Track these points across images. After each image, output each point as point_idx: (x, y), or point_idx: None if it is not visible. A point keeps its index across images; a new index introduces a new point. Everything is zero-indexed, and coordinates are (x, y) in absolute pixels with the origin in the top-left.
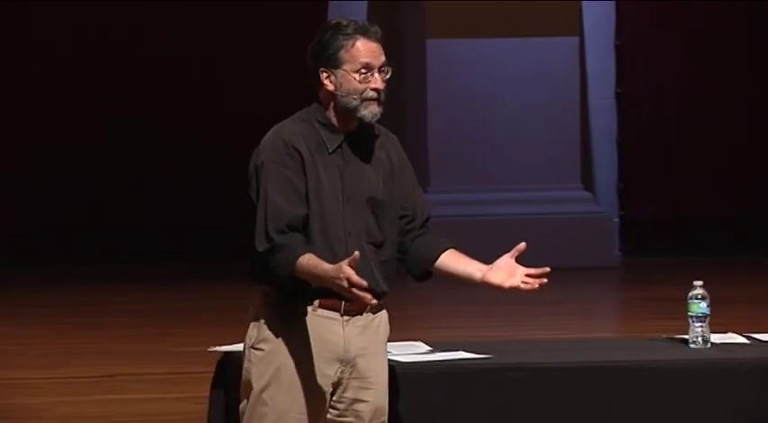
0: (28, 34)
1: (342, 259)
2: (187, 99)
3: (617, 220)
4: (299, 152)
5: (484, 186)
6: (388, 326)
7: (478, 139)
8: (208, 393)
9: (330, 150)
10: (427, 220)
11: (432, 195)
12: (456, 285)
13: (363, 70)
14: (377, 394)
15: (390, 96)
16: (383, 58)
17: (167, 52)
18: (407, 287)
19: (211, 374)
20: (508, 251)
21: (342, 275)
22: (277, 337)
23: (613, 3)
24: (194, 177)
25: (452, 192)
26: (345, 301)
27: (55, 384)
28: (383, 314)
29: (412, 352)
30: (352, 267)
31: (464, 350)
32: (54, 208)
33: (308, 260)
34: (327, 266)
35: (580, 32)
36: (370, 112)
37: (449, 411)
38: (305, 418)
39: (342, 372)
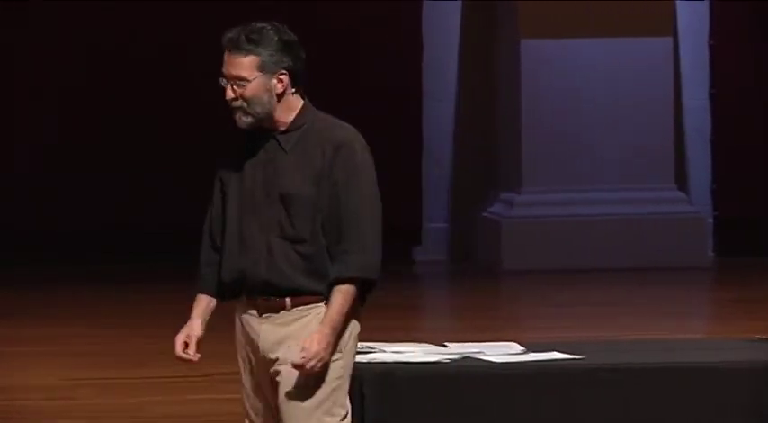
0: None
1: (250, 254)
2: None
3: (711, 220)
4: (228, 155)
5: (577, 187)
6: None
7: (572, 139)
8: None
9: (256, 149)
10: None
11: (525, 196)
12: (550, 285)
13: (223, 79)
14: (285, 379)
15: (484, 97)
16: (234, 73)
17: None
18: (500, 287)
19: None
20: (600, 252)
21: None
22: (236, 334)
23: (707, 2)
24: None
25: (546, 192)
26: (261, 299)
27: (151, 384)
28: (316, 309)
29: (505, 352)
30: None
31: (557, 351)
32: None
33: (197, 299)
34: (192, 319)
35: (674, 32)
36: (236, 118)
37: (541, 411)
38: (255, 414)
39: (272, 363)
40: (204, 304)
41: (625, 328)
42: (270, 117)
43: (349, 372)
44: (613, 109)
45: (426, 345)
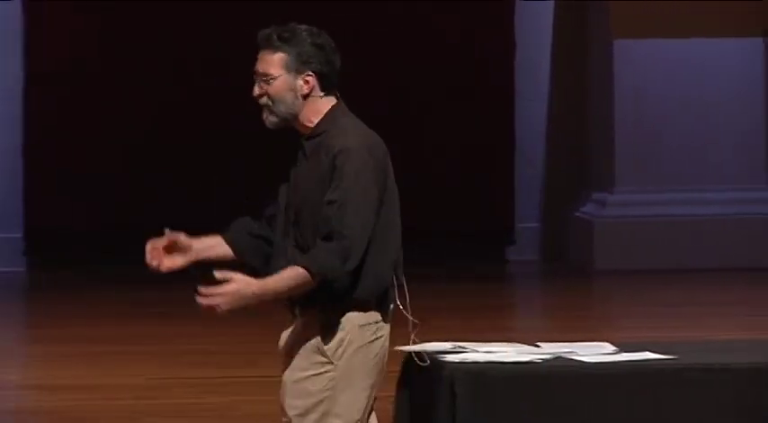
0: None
1: (275, 257)
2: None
3: None
4: (290, 158)
5: (668, 187)
6: (317, 333)
7: (664, 138)
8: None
9: (296, 154)
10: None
11: (617, 196)
12: (642, 285)
13: (255, 76)
14: (283, 389)
15: (576, 96)
16: (261, 69)
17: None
18: (593, 287)
19: (397, 374)
20: (692, 252)
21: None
22: None
23: None
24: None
25: (638, 192)
26: (291, 304)
27: (241, 383)
28: (309, 319)
29: (598, 352)
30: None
31: (650, 351)
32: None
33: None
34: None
35: (765, 33)
36: (264, 118)
37: (634, 411)
38: None
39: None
40: (210, 239)
41: (716, 328)
42: (295, 118)
43: (352, 383)
44: (704, 109)
45: (519, 345)
